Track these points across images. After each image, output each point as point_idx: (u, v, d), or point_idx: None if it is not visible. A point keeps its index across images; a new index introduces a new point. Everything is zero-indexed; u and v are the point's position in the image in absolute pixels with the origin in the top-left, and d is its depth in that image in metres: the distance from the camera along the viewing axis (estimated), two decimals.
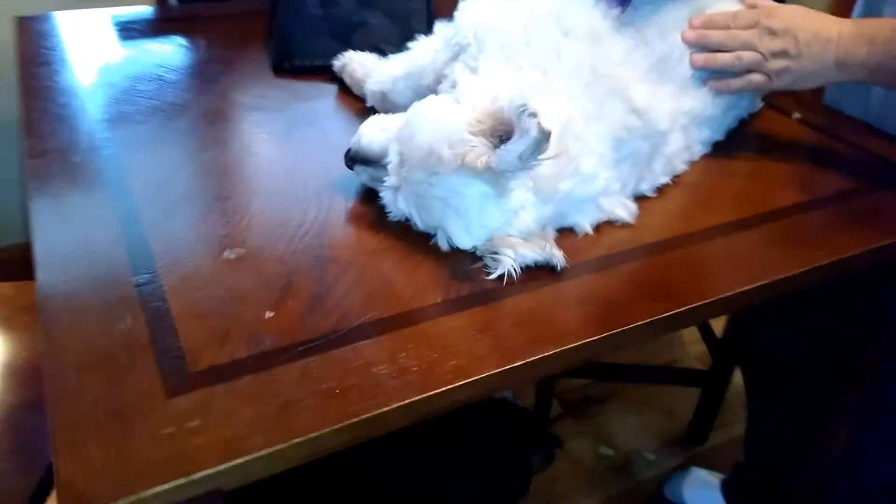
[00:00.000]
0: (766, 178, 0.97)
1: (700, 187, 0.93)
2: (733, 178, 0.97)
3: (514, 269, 0.73)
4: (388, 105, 1.00)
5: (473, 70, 0.85)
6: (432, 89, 0.96)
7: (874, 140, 1.08)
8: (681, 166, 0.93)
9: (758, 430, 1.58)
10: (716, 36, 0.92)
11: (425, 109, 0.78)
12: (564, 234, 0.81)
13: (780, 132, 1.11)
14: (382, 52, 1.12)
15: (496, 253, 0.75)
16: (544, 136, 0.65)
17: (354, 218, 0.83)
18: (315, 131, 1.01)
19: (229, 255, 0.74)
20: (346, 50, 1.16)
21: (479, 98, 0.77)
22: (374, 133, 0.83)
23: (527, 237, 0.77)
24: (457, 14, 0.94)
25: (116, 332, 0.64)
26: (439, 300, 0.71)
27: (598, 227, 0.83)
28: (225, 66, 1.20)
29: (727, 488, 1.87)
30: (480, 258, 0.76)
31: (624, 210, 0.84)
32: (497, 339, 0.66)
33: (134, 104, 1.03)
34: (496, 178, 0.72)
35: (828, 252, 0.81)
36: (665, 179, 0.91)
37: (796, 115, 1.14)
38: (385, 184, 0.80)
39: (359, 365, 0.62)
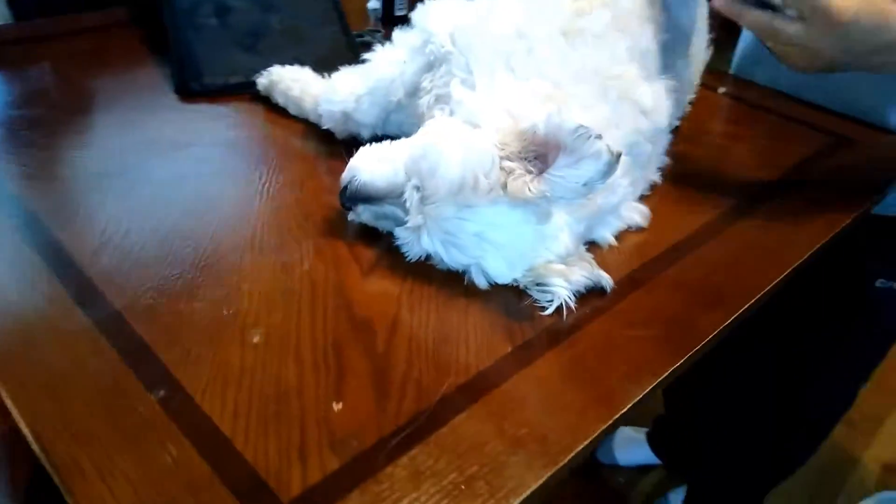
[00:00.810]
0: (731, 158, 0.99)
1: (687, 177, 0.93)
2: (706, 162, 0.98)
3: (569, 300, 0.68)
4: (351, 125, 0.90)
5: (470, 85, 0.77)
6: (404, 104, 0.87)
7: (798, 107, 1.15)
8: (666, 160, 0.92)
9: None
10: None
11: (442, 137, 0.70)
12: (590, 249, 0.77)
13: (715, 109, 1.14)
14: (300, 61, 1.00)
15: (543, 284, 0.69)
16: (615, 160, 0.60)
17: (365, 265, 0.73)
18: (267, 164, 0.88)
19: (255, 338, 0.62)
20: (258, 61, 1.02)
21: (499, 118, 0.71)
22: (375, 167, 0.73)
23: (566, 260, 0.72)
24: (418, 18, 0.86)
25: (164, 468, 0.50)
26: (509, 349, 0.64)
27: (618, 236, 0.80)
28: (111, 93, 1.01)
29: (652, 440, 1.98)
30: (524, 291, 0.70)
31: (639, 215, 0.81)
32: (592, 385, 0.61)
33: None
34: (537, 203, 0.66)
35: (830, 226, 0.85)
36: (658, 176, 0.89)
37: (721, 90, 1.18)
38: (404, 224, 0.71)
39: (468, 448, 0.54)
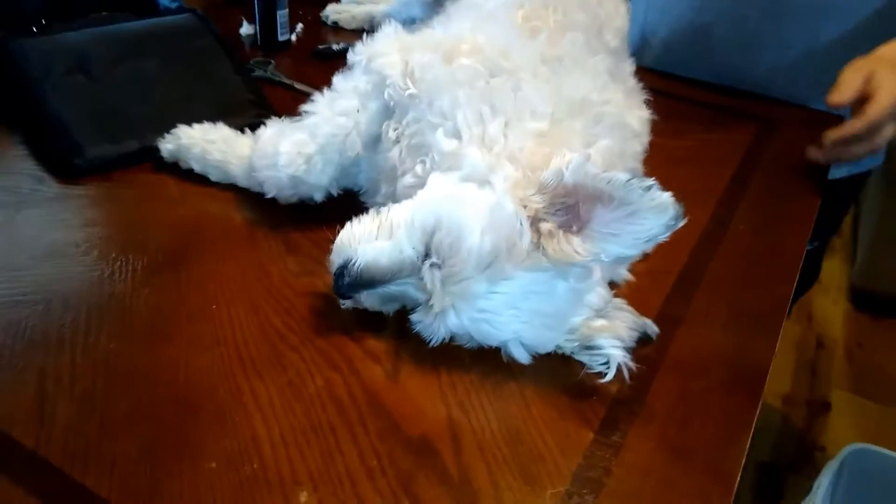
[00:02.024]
0: (684, 157, 0.97)
1: None
2: (665, 168, 0.95)
3: (627, 362, 0.61)
4: (302, 190, 0.76)
5: (452, 132, 0.67)
6: (362, 158, 0.75)
7: (722, 97, 1.16)
8: None
9: None
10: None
11: (453, 203, 0.60)
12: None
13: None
14: (199, 113, 0.85)
15: (592, 347, 0.62)
16: (681, 211, 0.54)
17: (386, 361, 0.62)
18: (212, 252, 0.72)
19: (303, 497, 0.50)
20: (148, 119, 0.86)
21: (506, 170, 0.62)
22: (373, 245, 0.62)
23: (604, 312, 0.65)
24: (364, 59, 0.74)
25: None
26: (592, 436, 0.57)
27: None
28: None
29: None
30: (571, 356, 0.63)
31: None
32: (695, 460, 0.55)
33: None
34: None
35: (807, 217, 0.85)
36: None
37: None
38: (416, 303, 0.61)
39: None
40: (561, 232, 0.58)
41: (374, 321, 0.65)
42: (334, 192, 0.77)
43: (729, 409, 0.60)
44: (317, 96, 0.77)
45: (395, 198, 0.74)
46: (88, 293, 0.65)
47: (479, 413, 0.58)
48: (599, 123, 0.69)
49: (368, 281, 0.61)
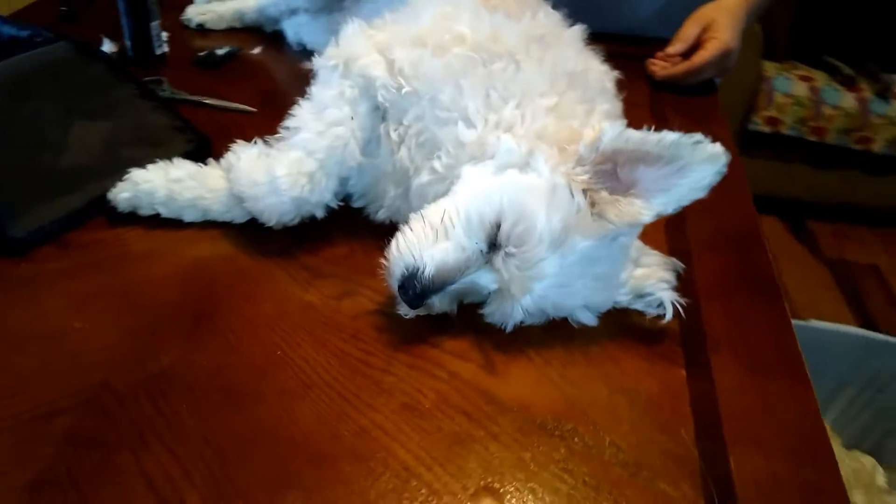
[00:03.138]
0: None
1: None
2: None
3: (677, 298, 0.67)
4: (305, 210, 0.72)
5: (466, 122, 0.68)
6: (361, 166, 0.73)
7: None
8: None
9: None
10: None
11: (513, 193, 0.62)
12: None
13: None
14: (127, 154, 0.77)
15: (644, 295, 0.67)
16: (730, 156, 0.60)
17: (477, 358, 0.63)
18: (230, 299, 0.67)
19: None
20: (76, 170, 0.76)
21: (540, 149, 0.64)
22: (436, 250, 0.62)
23: (637, 261, 0.70)
24: (337, 65, 0.72)
25: None
26: (684, 374, 0.63)
27: None
28: None
29: None
30: (623, 309, 0.68)
31: None
32: (775, 367, 0.63)
33: None
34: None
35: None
36: None
37: None
38: (484, 292, 0.63)
39: None
40: (620, 197, 0.62)
41: (438, 323, 0.65)
42: (334, 205, 0.74)
43: (768, 315, 0.69)
44: (296, 110, 0.73)
45: (407, 199, 0.73)
46: (133, 375, 0.58)
47: (585, 383, 0.61)
48: (590, 90, 0.73)
49: (441, 285, 0.61)
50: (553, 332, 0.65)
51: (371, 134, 0.72)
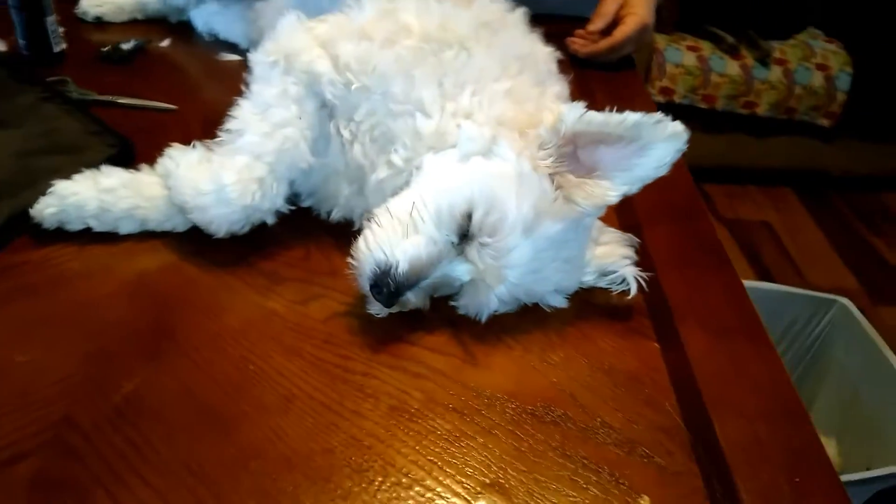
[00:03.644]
0: None
1: None
2: None
3: (638, 273, 0.68)
4: (257, 217, 0.67)
5: (424, 112, 0.66)
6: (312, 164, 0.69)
7: None
8: None
9: None
10: None
11: (482, 182, 0.61)
12: None
13: None
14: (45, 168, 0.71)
15: (608, 273, 0.69)
16: (687, 131, 0.61)
17: (456, 351, 0.62)
18: (189, 314, 0.63)
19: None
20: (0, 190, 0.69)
21: (503, 135, 0.64)
22: (408, 245, 0.60)
23: (596, 239, 0.71)
24: (278, 61, 0.68)
25: None
26: (657, 346, 0.64)
27: None
28: None
29: None
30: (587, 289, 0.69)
31: None
32: (738, 329, 0.66)
33: None
34: None
35: None
36: None
37: None
38: (475, 288, 0.62)
39: None
40: (586, 179, 0.62)
41: (411, 319, 0.64)
42: (286, 210, 0.70)
43: (722, 280, 0.71)
44: (237, 111, 0.69)
45: (362, 196, 0.71)
46: (96, 407, 0.53)
47: (566, 365, 0.62)
48: (540, 72, 0.73)
49: (415, 280, 0.60)
50: (527, 318, 0.65)
51: (319, 132, 0.69)
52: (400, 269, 0.59)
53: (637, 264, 0.69)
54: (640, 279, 0.67)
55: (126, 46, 1.01)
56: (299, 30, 0.70)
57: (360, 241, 0.61)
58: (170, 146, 0.71)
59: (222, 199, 0.65)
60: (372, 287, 0.60)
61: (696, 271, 0.72)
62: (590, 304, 0.68)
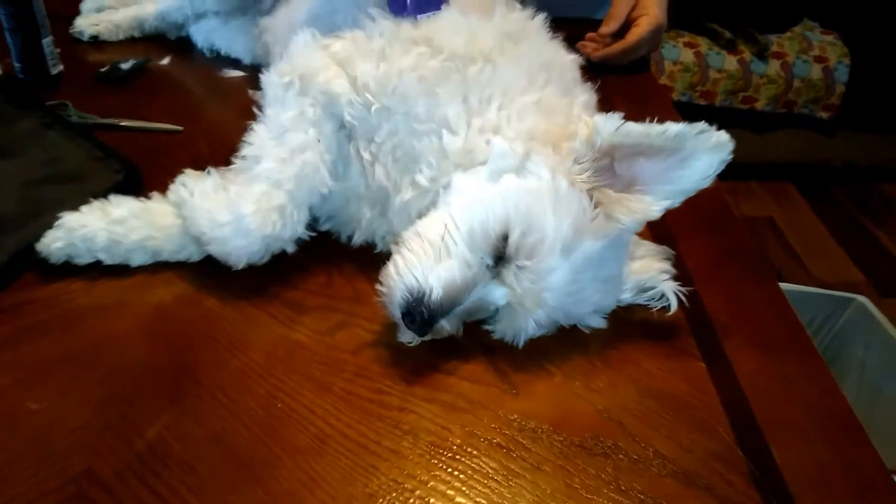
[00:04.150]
0: None
1: None
2: None
3: (679, 289, 0.65)
4: (277, 246, 0.64)
5: (450, 130, 0.63)
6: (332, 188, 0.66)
7: None
8: None
9: None
10: None
11: (518, 201, 0.58)
12: None
13: None
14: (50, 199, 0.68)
15: (647, 289, 0.65)
16: (732, 141, 0.58)
17: (493, 379, 0.59)
18: (210, 351, 0.59)
19: None
20: (4, 224, 0.66)
21: (536, 150, 0.61)
22: (441, 269, 0.57)
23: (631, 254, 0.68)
24: (293, 82, 0.65)
25: None
26: (703, 367, 0.61)
27: None
28: None
29: None
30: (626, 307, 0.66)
31: None
32: (784, 344, 0.63)
33: None
34: None
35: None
36: None
37: None
38: (512, 312, 0.58)
39: None
40: (626, 194, 0.59)
41: (444, 347, 0.61)
42: (306, 237, 0.67)
43: (764, 291, 0.68)
44: (252, 136, 0.65)
45: (385, 218, 0.68)
46: (118, 457, 0.50)
47: (612, 391, 0.59)
48: (566, 81, 0.70)
49: (450, 307, 0.57)
50: (565, 341, 0.62)
51: (338, 155, 0.66)
52: (434, 296, 0.56)
53: (675, 278, 0.66)
54: (679, 294, 0.64)
55: (125, 66, 0.97)
56: (314, 48, 0.67)
57: (390, 267, 0.58)
58: (180, 170, 0.68)
59: (241, 229, 0.62)
60: (404, 315, 0.57)
61: (735, 283, 0.69)
62: (629, 322, 0.65)
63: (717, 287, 0.68)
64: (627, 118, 0.58)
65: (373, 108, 0.63)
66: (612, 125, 0.59)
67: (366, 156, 0.66)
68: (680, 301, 0.64)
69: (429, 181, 0.63)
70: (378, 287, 0.59)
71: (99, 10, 1.09)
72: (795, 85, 2.73)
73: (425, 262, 0.57)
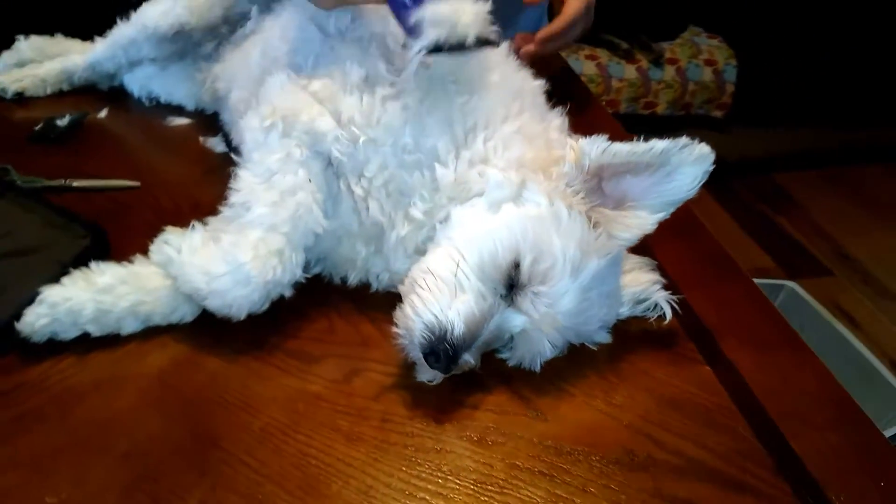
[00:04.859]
0: None
1: None
2: None
3: (669, 297, 0.68)
4: (276, 292, 0.62)
5: (441, 161, 0.63)
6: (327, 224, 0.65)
7: None
8: None
9: None
10: None
11: (526, 231, 0.59)
12: None
13: None
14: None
15: (641, 301, 0.68)
16: (713, 152, 0.62)
17: (519, 408, 0.59)
18: (225, 415, 0.57)
19: None
20: None
21: (530, 177, 0.62)
22: (459, 304, 0.57)
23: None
24: (276, 123, 0.64)
25: None
26: (708, 369, 0.64)
27: None
28: None
29: None
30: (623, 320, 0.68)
31: None
32: (778, 340, 0.67)
33: None
34: None
35: None
36: None
37: None
38: (527, 339, 0.60)
39: None
40: (621, 211, 0.62)
41: (462, 381, 0.61)
42: (302, 280, 0.65)
43: (741, 290, 0.72)
44: (238, 183, 0.64)
45: (381, 255, 0.67)
46: None
47: (632, 404, 0.60)
48: (538, 106, 0.72)
49: (472, 340, 0.57)
50: (575, 360, 0.63)
51: (327, 193, 0.65)
52: (456, 331, 0.56)
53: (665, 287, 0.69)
54: (672, 303, 0.67)
55: (61, 122, 0.92)
56: (293, 89, 0.66)
57: (406, 308, 0.58)
58: (147, 228, 0.65)
59: (240, 279, 0.60)
60: (428, 354, 0.56)
61: (715, 285, 0.73)
62: (629, 334, 0.67)
63: (701, 291, 0.72)
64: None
65: (360, 140, 0.63)
66: (598, 147, 0.61)
67: (358, 191, 0.65)
68: (673, 309, 0.67)
69: (423, 214, 0.64)
70: (394, 329, 0.59)
71: (19, 64, 1.03)
72: (690, 88, 2.90)
73: (441, 299, 0.57)
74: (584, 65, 2.79)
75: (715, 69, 2.90)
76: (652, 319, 0.67)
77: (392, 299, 0.65)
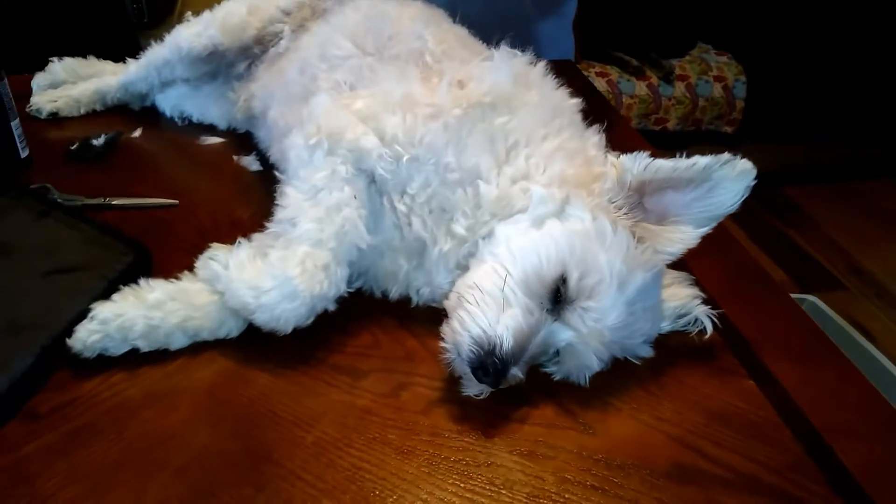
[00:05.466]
0: None
1: None
2: None
3: (710, 311, 0.69)
4: (321, 306, 0.63)
5: (485, 179, 0.64)
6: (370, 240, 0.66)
7: None
8: None
9: None
10: None
11: (572, 247, 0.60)
12: None
13: None
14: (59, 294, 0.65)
15: (682, 315, 0.69)
16: (755, 168, 0.62)
17: (567, 422, 0.60)
18: (277, 430, 0.57)
19: None
20: (19, 324, 0.62)
21: (574, 193, 0.63)
22: (508, 319, 0.58)
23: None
24: (321, 141, 0.65)
25: None
26: (752, 384, 0.64)
27: None
28: None
29: None
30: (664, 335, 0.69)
31: None
32: (818, 354, 0.67)
33: None
34: None
35: None
36: None
37: None
38: (574, 353, 0.60)
39: None
40: (664, 226, 0.62)
41: (509, 395, 0.61)
42: (345, 294, 0.66)
43: (779, 304, 0.73)
44: (284, 200, 0.65)
45: (422, 270, 0.68)
46: None
47: (679, 418, 0.61)
48: (575, 124, 0.73)
49: (520, 354, 0.58)
50: (619, 374, 0.64)
51: (370, 210, 0.66)
52: (505, 346, 0.57)
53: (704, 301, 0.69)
54: (713, 318, 0.68)
55: (97, 142, 0.93)
56: (337, 108, 0.67)
57: (453, 323, 0.59)
58: (188, 245, 0.67)
59: (288, 293, 0.61)
60: (476, 369, 0.57)
61: (753, 300, 0.74)
62: (670, 348, 0.68)
63: (739, 305, 0.72)
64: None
65: (403, 159, 0.64)
66: (640, 163, 0.62)
67: (401, 207, 0.66)
68: (713, 323, 0.67)
69: (465, 230, 0.64)
70: (440, 344, 0.59)
71: (53, 85, 1.04)
72: (700, 104, 2.91)
73: (489, 314, 0.58)
74: (595, 82, 2.81)
75: (724, 85, 2.92)
76: (693, 334, 0.68)
77: (432, 314, 0.66)
